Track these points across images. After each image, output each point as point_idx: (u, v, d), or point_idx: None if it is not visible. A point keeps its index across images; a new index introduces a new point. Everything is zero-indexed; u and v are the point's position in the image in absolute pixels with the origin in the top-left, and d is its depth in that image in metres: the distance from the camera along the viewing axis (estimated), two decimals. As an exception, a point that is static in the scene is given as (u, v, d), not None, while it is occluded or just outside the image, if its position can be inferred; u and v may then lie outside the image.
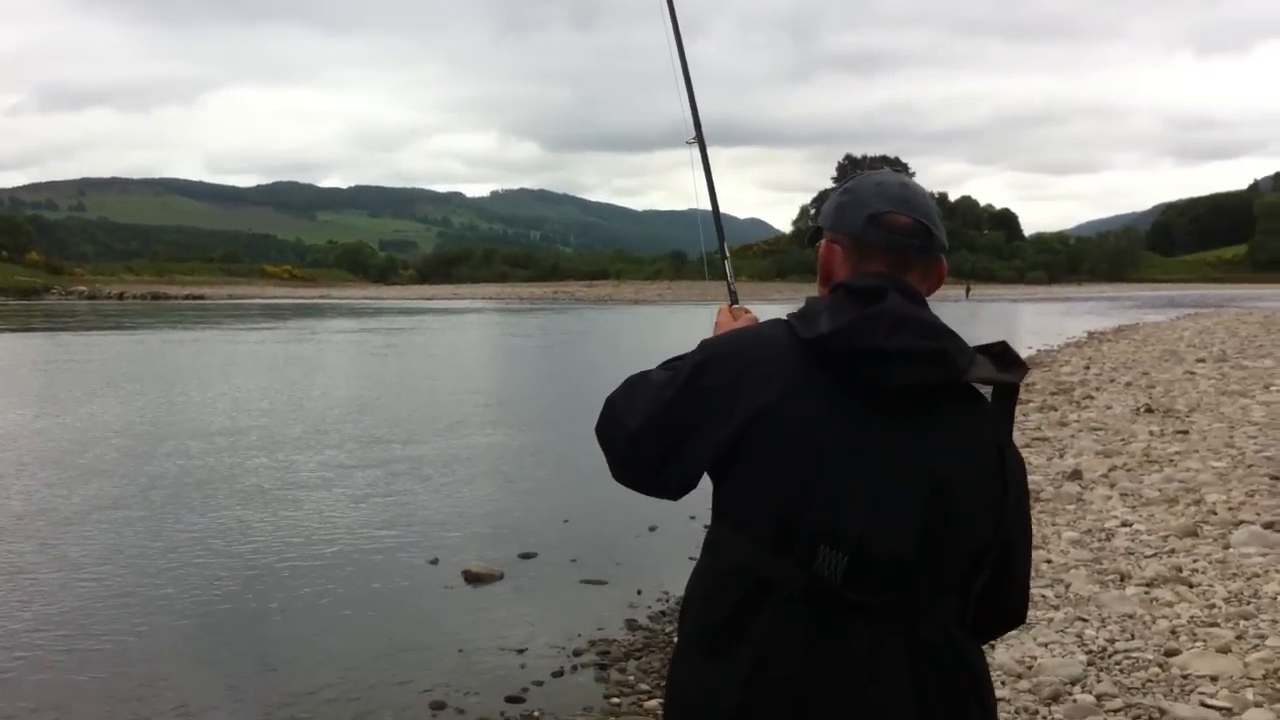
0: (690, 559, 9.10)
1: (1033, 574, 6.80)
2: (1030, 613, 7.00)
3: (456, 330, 50.19)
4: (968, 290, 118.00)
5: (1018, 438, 8.12)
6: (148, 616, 7.95)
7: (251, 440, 16.02)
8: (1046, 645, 6.37)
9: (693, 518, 10.13)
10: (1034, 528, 8.24)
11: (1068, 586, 7.48)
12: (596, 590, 8.58)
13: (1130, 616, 6.80)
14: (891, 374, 2.02)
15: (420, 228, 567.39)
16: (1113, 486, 10.86)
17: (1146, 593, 7.27)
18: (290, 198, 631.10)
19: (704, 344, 2.25)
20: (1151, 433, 14.08)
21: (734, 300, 2.80)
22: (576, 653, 7.17)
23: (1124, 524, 9.25)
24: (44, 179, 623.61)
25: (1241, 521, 8.96)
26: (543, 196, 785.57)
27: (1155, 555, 8.22)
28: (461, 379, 26.18)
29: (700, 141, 3.30)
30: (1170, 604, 7.00)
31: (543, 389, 24.77)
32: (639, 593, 8.39)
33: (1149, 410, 16.33)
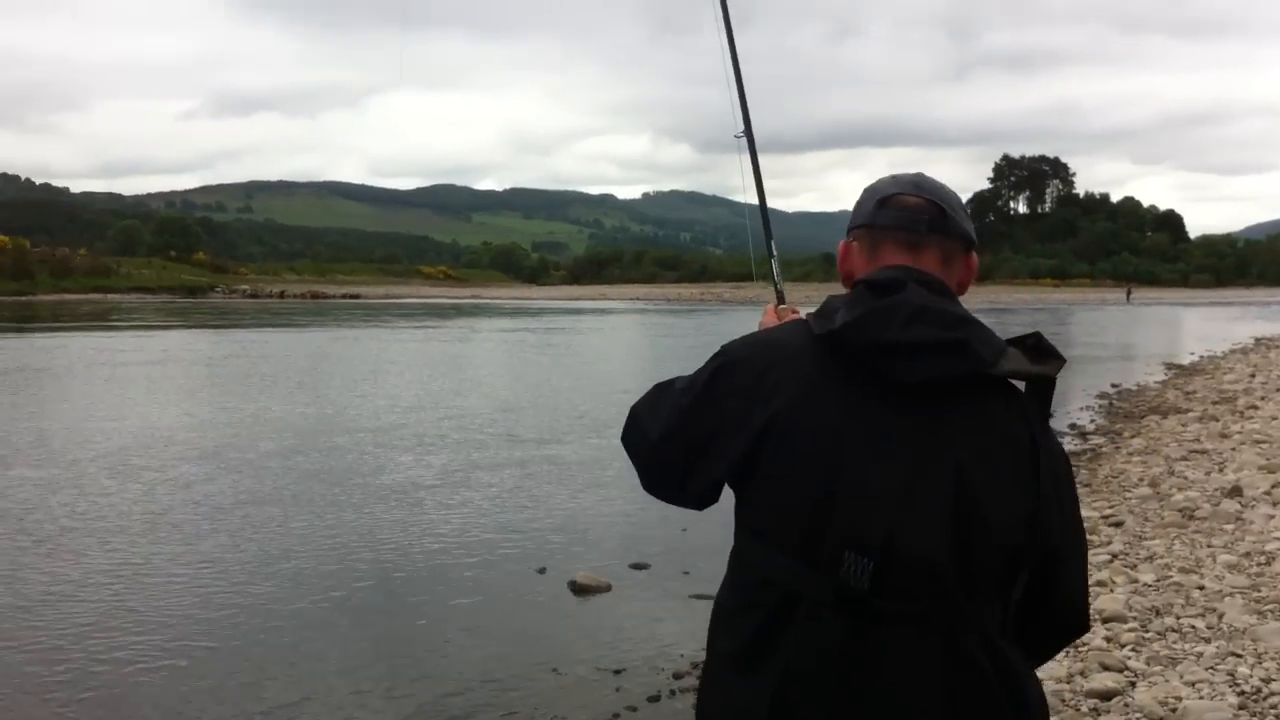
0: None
1: (1184, 601, 6.21)
2: (1178, 646, 6.48)
3: (598, 330, 50.09)
4: (1128, 293, 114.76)
5: (1176, 449, 7.57)
6: (252, 617, 7.91)
7: (389, 438, 16.08)
8: (1194, 684, 5.77)
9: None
10: (1189, 550, 7.58)
11: (1221, 616, 6.84)
12: (707, 605, 8.03)
13: (1290, 653, 6.16)
14: (909, 368, 1.94)
15: (572, 229, 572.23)
16: (1275, 505, 10.07)
17: (1310, 626, 6.61)
18: (447, 200, 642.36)
19: (723, 349, 2.16)
20: (1321, 446, 13.14)
21: (781, 300, 2.76)
22: (676, 675, 6.78)
23: (1287, 547, 8.52)
24: (214, 182, 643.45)
25: None
26: (693, 198, 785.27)
27: (1322, 582, 7.52)
28: (598, 379, 25.97)
29: (750, 138, 3.26)
30: (1337, 639, 6.33)
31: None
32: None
33: (1320, 422, 15.30)
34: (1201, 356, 32.05)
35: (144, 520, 10.71)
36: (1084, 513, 9.18)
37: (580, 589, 8.46)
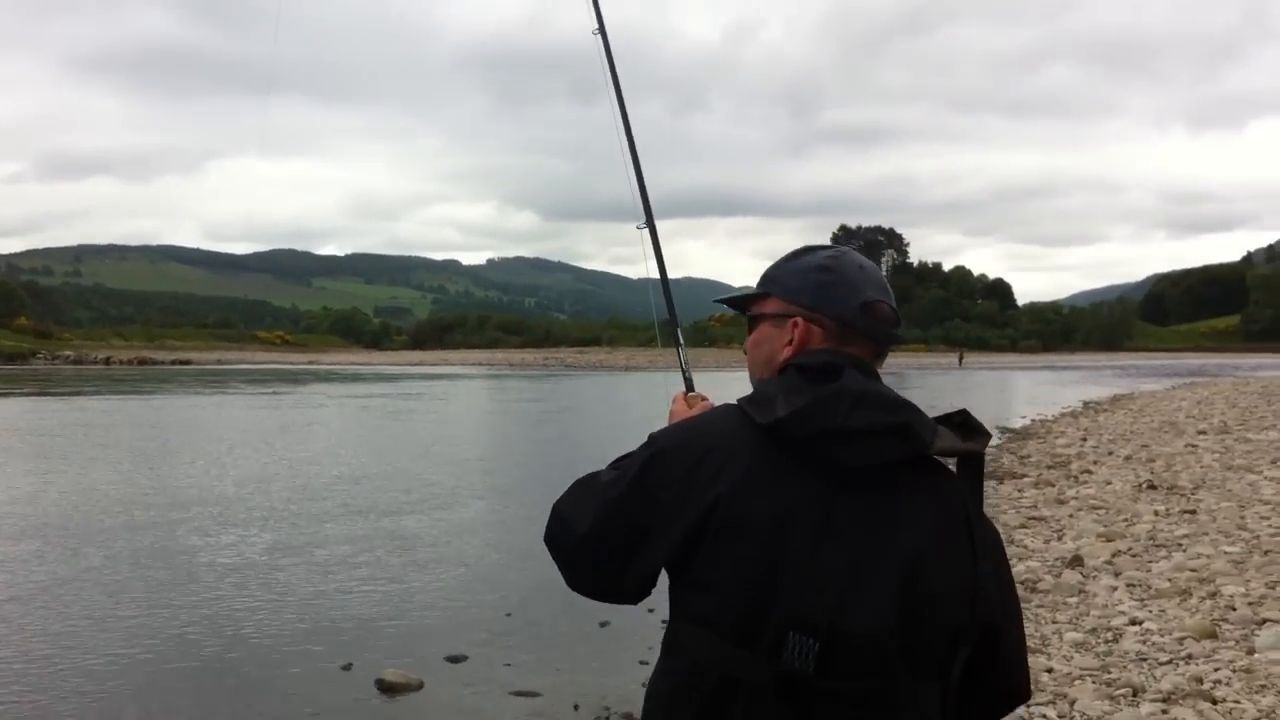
0: (642, 661, 8.09)
1: (1033, 686, 5.77)
2: (1029, 743, 6.01)
3: (434, 397, 48.94)
4: (960, 358, 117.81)
5: (1013, 516, 7.07)
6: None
7: (211, 513, 15.08)
8: (1048, 786, 5.30)
9: (651, 611, 9.08)
10: (1034, 626, 7.17)
11: (1073, 704, 6.41)
12: (528, 704, 7.38)
13: (1147, 745, 5.74)
14: (855, 453, 1.94)
15: (416, 295, 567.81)
16: (1117, 575, 9.82)
17: (1164, 711, 6.21)
18: (287, 265, 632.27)
19: (652, 438, 2.12)
20: (1156, 512, 13.05)
21: (689, 388, 2.72)
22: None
23: (1133, 621, 8.20)
24: (41, 245, 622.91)
25: (1266, 620, 7.94)
26: (539, 265, 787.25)
27: (1171, 662, 7.17)
28: (423, 449, 24.84)
29: (651, 226, 3.25)
30: (1192, 727, 5.94)
31: (508, 460, 23.59)
32: (575, 708, 7.23)
33: (1152, 487, 15.32)
34: (1033, 420, 32.48)
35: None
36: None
37: (388, 687, 7.61)
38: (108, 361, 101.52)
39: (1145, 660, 7.23)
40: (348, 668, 8.12)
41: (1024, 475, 18.19)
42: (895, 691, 1.93)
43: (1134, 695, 6.51)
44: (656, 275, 3.23)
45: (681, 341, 3.09)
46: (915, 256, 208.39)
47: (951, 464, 2.10)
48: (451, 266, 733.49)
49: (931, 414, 2.06)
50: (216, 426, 31.11)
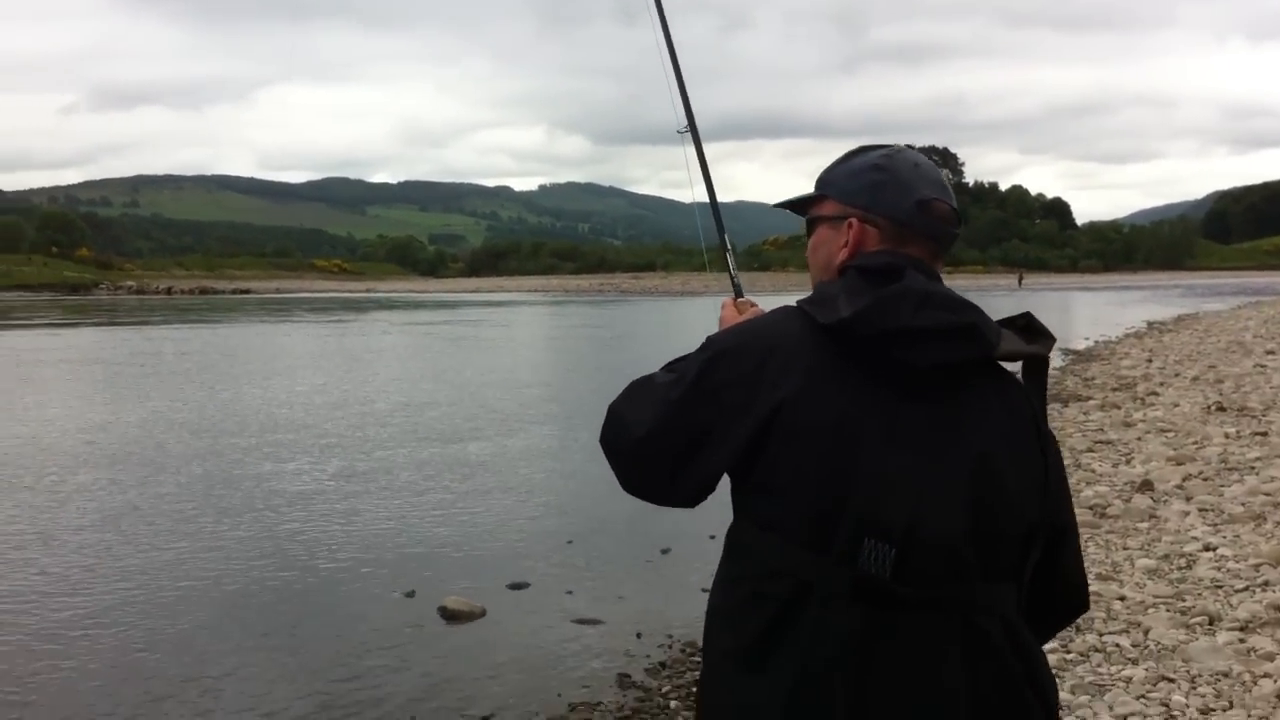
0: (703, 589, 7.97)
1: (1105, 615, 5.65)
2: (1104, 670, 5.88)
3: (492, 324, 48.98)
4: (1020, 279, 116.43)
5: (1080, 440, 7.20)
6: (97, 647, 7.10)
7: (282, 440, 15.21)
8: (1126, 718, 5.18)
9: (712, 537, 9.03)
10: (1104, 553, 7.02)
11: (1147, 633, 6.27)
12: (590, 632, 7.35)
13: (1225, 675, 5.60)
14: (922, 353, 1.90)
15: (469, 222, 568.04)
16: (1189, 500, 9.61)
17: (1242, 640, 6.05)
18: (341, 193, 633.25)
19: (710, 340, 2.08)
20: (1227, 435, 12.76)
21: (739, 293, 2.66)
22: (551, 720, 6.01)
23: (1207, 547, 8.01)
24: (98, 176, 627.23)
25: (1346, 545, 7.73)
26: (591, 190, 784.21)
27: (1247, 589, 6.99)
28: (485, 375, 24.85)
29: (694, 132, 3.13)
30: (1271, 655, 5.79)
31: (570, 386, 23.45)
32: (638, 636, 7.20)
33: (1221, 408, 14.98)
34: (1096, 341, 32.02)
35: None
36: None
37: (451, 615, 7.60)
38: (169, 291, 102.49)
39: (1221, 588, 7.07)
40: (411, 594, 8.13)
41: (1089, 398, 17.91)
42: (972, 594, 1.92)
43: (1210, 623, 6.36)
44: (702, 187, 3.10)
45: (730, 247, 3.02)
46: (970, 176, 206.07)
47: (1015, 368, 2.06)
48: (504, 193, 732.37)
49: None
50: (283, 354, 31.42)
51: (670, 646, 7.02)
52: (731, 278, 2.84)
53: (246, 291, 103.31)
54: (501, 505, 11.26)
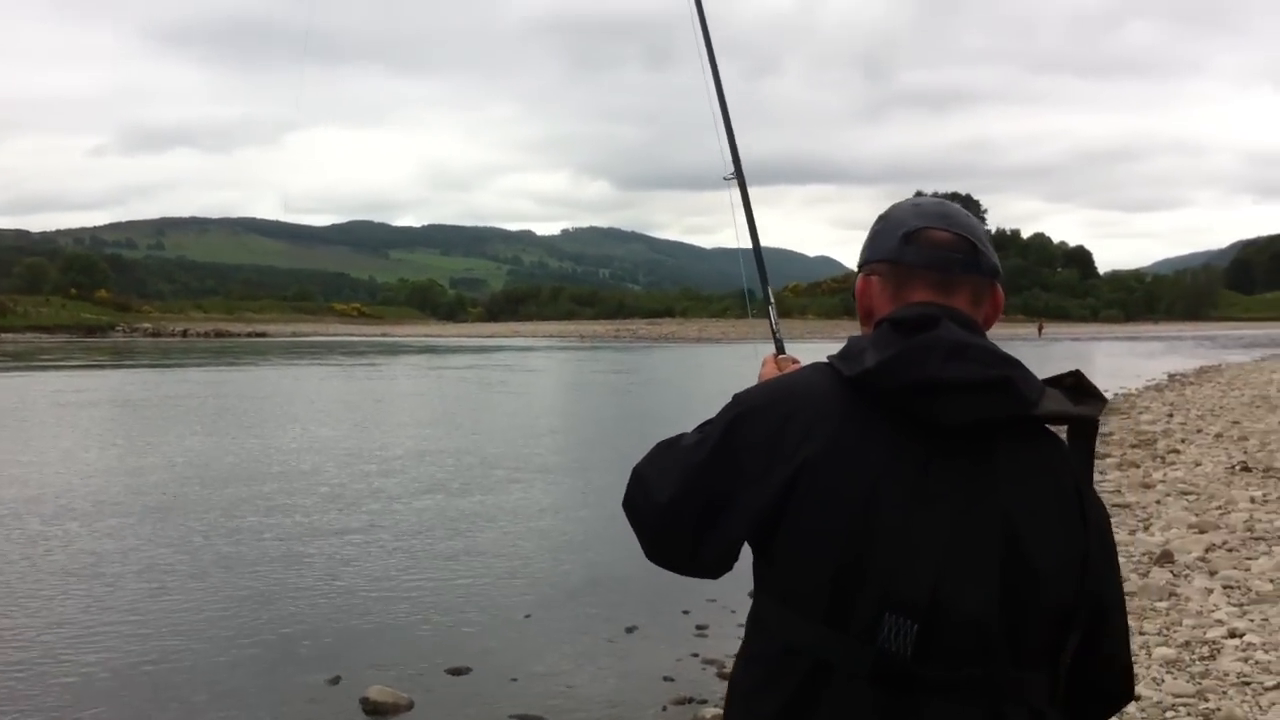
0: (665, 677, 7.11)
1: None
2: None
3: (499, 369, 48.24)
4: (1040, 328, 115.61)
5: None
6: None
7: (238, 491, 14.32)
8: None
9: (685, 612, 8.27)
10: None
11: (1163, 744, 5.43)
12: None
13: (1256, 803, 4.76)
14: (951, 408, 1.78)
15: (491, 266, 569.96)
16: (1213, 575, 8.75)
17: (1275, 755, 5.21)
18: (364, 237, 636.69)
19: (737, 398, 1.98)
20: (1253, 499, 11.89)
21: (780, 349, 2.58)
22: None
23: (1232, 633, 7.15)
24: (125, 219, 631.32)
25: (1389, 634, 6.87)
26: (612, 235, 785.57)
27: (1278, 686, 6.13)
28: (476, 425, 23.97)
29: (740, 178, 3.12)
30: (1309, 775, 4.94)
31: (574, 434, 22.60)
32: (578, 734, 6.34)
33: (1246, 468, 14.13)
34: (1116, 394, 31.05)
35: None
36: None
37: (373, 708, 6.67)
38: (185, 334, 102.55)
39: (1248, 685, 6.20)
40: (335, 681, 7.22)
41: (1106, 455, 17.02)
42: (1000, 680, 1.76)
43: (1238, 732, 5.51)
44: (746, 237, 3.07)
45: (772, 300, 2.96)
46: (993, 223, 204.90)
47: (1062, 432, 1.88)
48: (526, 237, 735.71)
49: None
50: (279, 398, 30.69)
51: (615, 751, 6.13)
52: (774, 332, 2.80)
53: (262, 335, 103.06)
54: (468, 570, 10.36)
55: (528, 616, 8.60)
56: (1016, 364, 1.83)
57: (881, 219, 2.04)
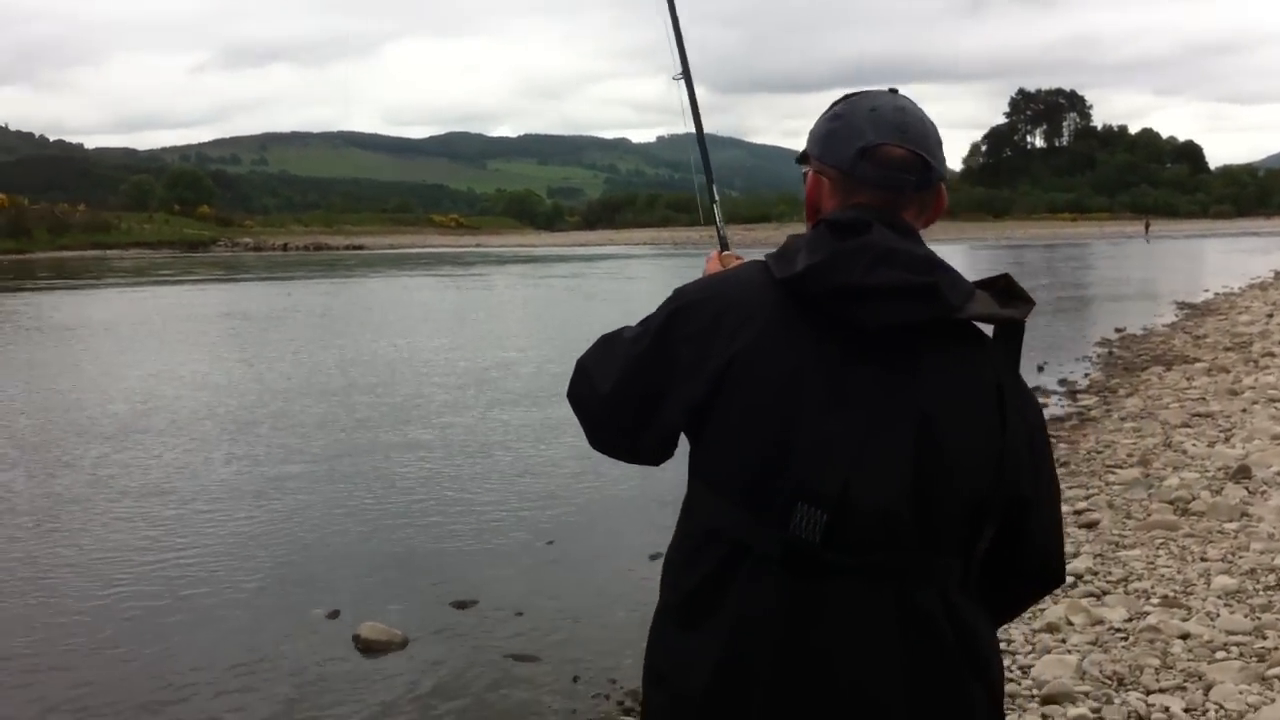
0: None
1: (1160, 661, 4.33)
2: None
3: (598, 277, 47.88)
4: (1147, 227, 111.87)
5: (1176, 412, 4.74)
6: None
7: (269, 413, 14.14)
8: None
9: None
10: (1177, 564, 5.62)
11: (1208, 690, 4.88)
12: (516, 673, 6.03)
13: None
14: (873, 313, 1.84)
15: (588, 174, 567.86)
16: (1292, 492, 8.08)
17: (1334, 705, 4.64)
18: (462, 148, 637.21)
19: (677, 292, 2.05)
20: (1349, 407, 11.10)
21: (724, 246, 2.70)
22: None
23: (1305, 560, 6.53)
24: (228, 134, 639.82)
25: None
26: (710, 140, 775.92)
27: (1353, 625, 5.54)
28: (522, 339, 23.40)
29: (687, 78, 3.21)
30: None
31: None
32: (575, 680, 5.91)
33: (1346, 372, 13.25)
34: (1216, 294, 29.78)
35: None
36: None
37: (365, 645, 6.34)
38: (285, 248, 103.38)
39: (1315, 620, 5.62)
40: (335, 615, 6.87)
41: (1197, 360, 16.16)
42: (909, 565, 1.84)
43: (1294, 676, 4.94)
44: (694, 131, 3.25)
45: (716, 199, 3.08)
46: (1099, 120, 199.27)
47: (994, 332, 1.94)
48: (622, 145, 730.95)
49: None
50: (365, 312, 30.53)
51: (608, 698, 5.69)
52: (718, 230, 2.92)
53: (359, 248, 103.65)
54: (504, 492, 10.00)
55: (550, 543, 8.20)
56: (945, 269, 1.87)
57: (837, 117, 2.02)
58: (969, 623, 1.89)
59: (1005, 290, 1.95)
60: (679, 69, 3.20)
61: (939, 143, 2.01)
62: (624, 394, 2.01)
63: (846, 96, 2.06)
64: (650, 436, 2.00)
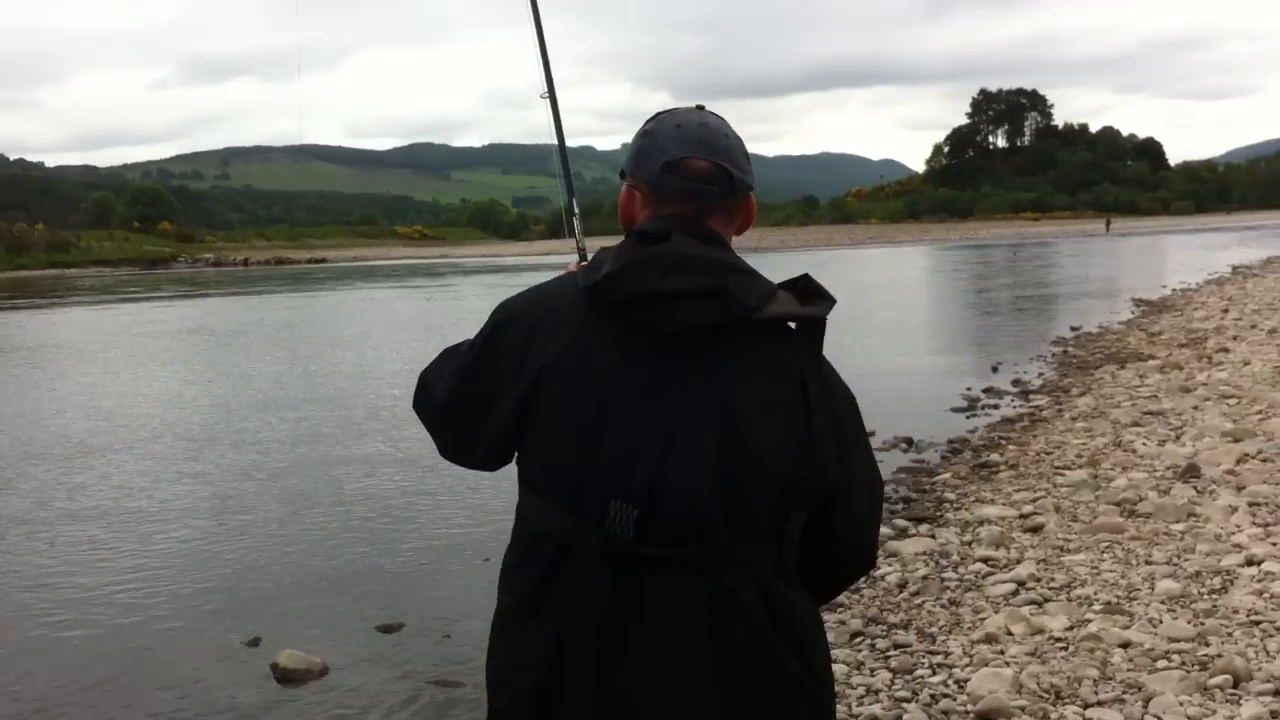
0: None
1: (1099, 673, 4.17)
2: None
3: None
4: (1108, 224, 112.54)
5: (1127, 411, 5.57)
6: None
7: (238, 427, 13.82)
8: None
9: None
10: (1121, 569, 5.49)
11: (1148, 702, 4.72)
12: (442, 697, 5.81)
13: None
14: (668, 316, 1.95)
15: (553, 183, 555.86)
16: (1240, 490, 7.97)
17: (1275, 715, 4.50)
18: (426, 158, 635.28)
19: (500, 305, 2.18)
20: (1299, 402, 11.00)
21: (583, 257, 2.77)
22: None
23: (1250, 561, 6.40)
24: (190, 150, 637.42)
25: None
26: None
27: (1294, 629, 5.40)
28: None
29: (552, 97, 3.52)
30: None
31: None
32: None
33: (1298, 367, 13.18)
34: (1174, 290, 29.82)
35: None
36: (999, 509, 7.71)
37: (283, 675, 6.08)
38: (245, 263, 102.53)
39: (1258, 624, 5.48)
40: (255, 643, 6.59)
41: (1150, 357, 16.09)
42: (720, 554, 1.94)
43: (1235, 686, 4.79)
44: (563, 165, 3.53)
45: (576, 211, 3.29)
46: (1060, 118, 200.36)
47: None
48: (587, 153, 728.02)
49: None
50: (316, 326, 30.21)
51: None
52: (577, 241, 3.12)
53: (322, 261, 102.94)
54: (449, 508, 9.68)
55: (487, 560, 7.89)
56: (740, 272, 1.97)
57: (647, 134, 2.14)
58: (785, 603, 1.99)
59: (806, 289, 2.05)
60: (544, 88, 3.52)
61: (745, 155, 2.14)
62: (457, 404, 2.15)
63: (656, 115, 2.17)
64: (483, 445, 2.13)
